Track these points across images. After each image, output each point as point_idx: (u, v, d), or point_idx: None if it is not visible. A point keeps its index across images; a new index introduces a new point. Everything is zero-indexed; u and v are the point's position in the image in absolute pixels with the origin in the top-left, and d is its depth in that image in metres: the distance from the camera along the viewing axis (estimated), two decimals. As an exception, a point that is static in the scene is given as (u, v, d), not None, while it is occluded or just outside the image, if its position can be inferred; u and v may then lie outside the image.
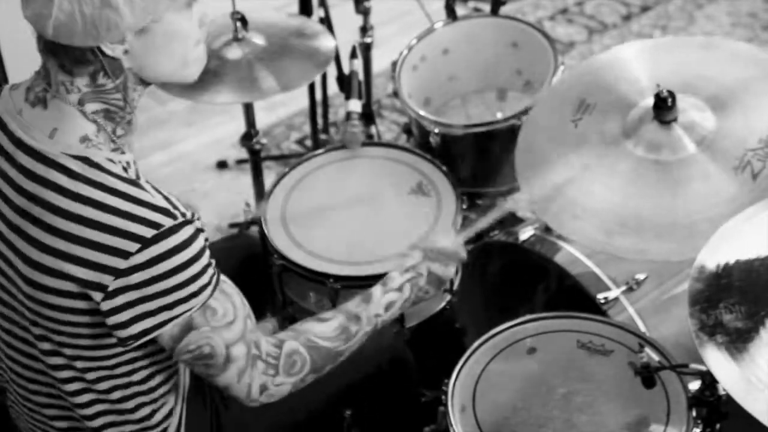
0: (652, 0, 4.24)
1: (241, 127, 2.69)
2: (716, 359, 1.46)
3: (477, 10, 3.00)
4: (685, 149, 1.86)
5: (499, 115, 2.51)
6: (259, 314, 1.70)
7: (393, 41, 3.27)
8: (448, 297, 2.30)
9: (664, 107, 1.87)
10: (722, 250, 1.58)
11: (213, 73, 2.33)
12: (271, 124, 3.65)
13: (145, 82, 1.55)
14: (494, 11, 2.71)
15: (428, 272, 1.84)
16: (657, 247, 1.78)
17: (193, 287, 1.50)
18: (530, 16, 4.13)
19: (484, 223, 1.98)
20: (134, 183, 1.50)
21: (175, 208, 1.50)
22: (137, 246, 1.45)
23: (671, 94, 1.86)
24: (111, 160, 1.50)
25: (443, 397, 1.84)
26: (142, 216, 1.46)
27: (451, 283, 2.28)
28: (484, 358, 1.92)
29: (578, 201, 1.86)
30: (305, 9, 2.95)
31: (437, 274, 1.85)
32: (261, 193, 2.73)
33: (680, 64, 2.01)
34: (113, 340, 1.54)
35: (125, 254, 1.45)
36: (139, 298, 1.48)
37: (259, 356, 1.61)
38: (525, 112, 2.35)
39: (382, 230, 2.24)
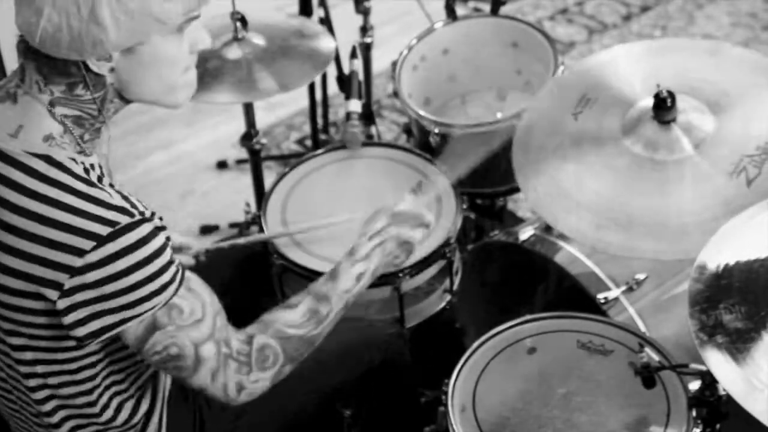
0: (652, 0, 4.24)
1: (241, 127, 2.69)
2: (716, 360, 1.46)
3: (477, 10, 3.00)
4: (682, 150, 1.86)
5: (499, 115, 2.51)
6: (258, 316, 1.69)
7: (393, 41, 3.27)
8: (448, 297, 2.30)
9: (663, 107, 1.87)
10: (723, 251, 1.58)
11: (213, 73, 2.34)
12: (271, 124, 3.65)
13: (126, 99, 1.55)
14: (494, 11, 2.72)
15: (396, 236, 1.79)
16: (646, 245, 1.78)
17: (153, 285, 1.48)
18: (530, 16, 4.13)
19: (440, 185, 1.92)
20: (92, 183, 1.49)
21: (133, 206, 1.49)
22: (92, 244, 1.44)
23: (671, 95, 1.86)
24: (73, 160, 1.50)
25: (443, 397, 1.85)
26: (98, 214, 1.45)
27: (451, 283, 2.28)
28: (484, 358, 1.92)
29: (572, 195, 1.87)
30: (305, 9, 2.95)
31: (404, 237, 1.80)
32: (261, 193, 2.73)
33: (684, 66, 2.01)
34: (72, 343, 1.54)
35: (80, 252, 1.44)
36: (96, 297, 1.47)
37: (230, 354, 1.59)
38: (526, 108, 2.35)
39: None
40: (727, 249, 1.58)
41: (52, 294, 1.47)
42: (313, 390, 1.91)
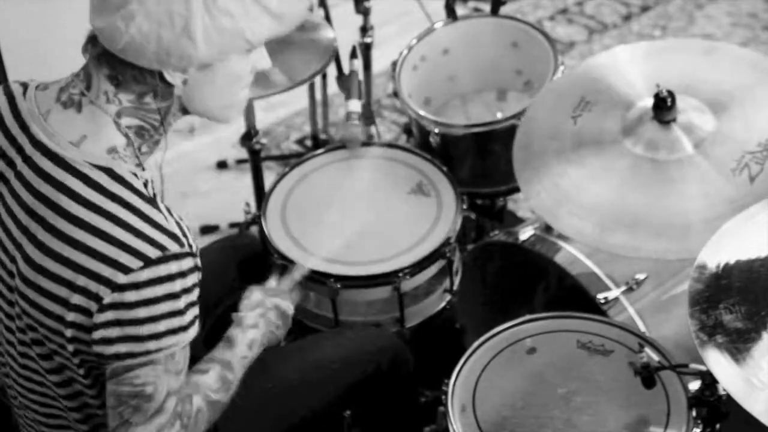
0: (652, 0, 4.24)
1: (241, 127, 2.69)
2: (716, 360, 1.46)
3: (477, 10, 3.00)
4: (684, 149, 1.86)
5: (499, 115, 2.51)
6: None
7: (393, 41, 3.27)
8: (448, 297, 2.30)
9: (663, 107, 1.87)
10: (723, 250, 1.58)
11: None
12: (271, 124, 3.64)
13: (185, 111, 1.56)
14: (494, 11, 2.71)
15: (275, 306, 1.80)
16: (651, 245, 1.78)
17: (181, 320, 1.49)
18: (530, 16, 4.13)
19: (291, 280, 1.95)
20: (151, 201, 1.50)
21: (185, 235, 1.50)
22: (140, 263, 1.44)
23: (671, 94, 1.86)
24: (134, 174, 1.50)
25: (443, 397, 1.85)
26: (151, 236, 1.46)
27: (451, 283, 2.28)
28: (484, 358, 1.92)
29: (574, 197, 1.87)
30: (305, 9, 2.95)
31: (282, 308, 1.80)
32: (261, 193, 2.73)
33: (682, 66, 2.01)
34: (91, 358, 1.53)
35: (126, 269, 1.44)
36: (129, 320, 1.46)
37: (180, 415, 1.56)
38: (525, 112, 2.35)
39: (382, 230, 2.24)
40: (727, 248, 1.58)
41: (91, 305, 1.46)
42: (314, 391, 1.92)
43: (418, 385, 2.16)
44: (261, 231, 2.28)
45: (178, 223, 1.51)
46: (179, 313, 1.48)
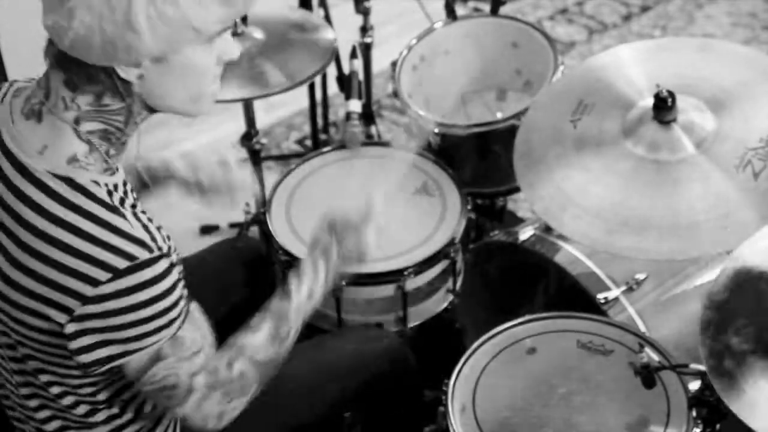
0: (652, 0, 4.24)
1: (241, 127, 2.69)
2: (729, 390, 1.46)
3: (477, 10, 3.00)
4: (685, 149, 1.86)
5: (499, 115, 2.51)
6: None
7: (393, 41, 3.27)
8: (450, 297, 2.30)
9: (663, 107, 1.87)
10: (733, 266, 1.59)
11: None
12: (271, 124, 3.64)
13: (151, 109, 1.51)
14: (494, 11, 2.71)
15: (336, 246, 1.76)
16: (659, 246, 1.78)
17: (161, 320, 1.47)
18: (530, 16, 4.13)
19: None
20: (115, 210, 1.46)
21: (153, 239, 1.46)
22: (108, 275, 1.42)
23: (671, 94, 1.86)
24: (96, 183, 1.46)
25: (443, 397, 1.85)
26: (117, 246, 1.42)
27: (454, 283, 2.28)
28: (484, 358, 1.92)
29: (578, 201, 1.86)
30: (305, 8, 2.95)
31: (351, 248, 1.77)
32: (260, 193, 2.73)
33: (678, 65, 2.01)
34: (74, 363, 1.52)
35: (94, 282, 1.42)
36: (104, 327, 1.45)
37: (215, 385, 1.58)
38: (525, 112, 2.35)
39: (387, 229, 2.24)
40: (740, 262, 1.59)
41: (61, 317, 1.45)
42: (323, 398, 1.91)
43: (418, 383, 2.16)
44: (263, 230, 2.28)
45: (146, 227, 1.47)
46: (160, 314, 1.47)
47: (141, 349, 1.48)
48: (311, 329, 2.20)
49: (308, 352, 1.95)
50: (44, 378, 1.58)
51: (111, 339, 1.46)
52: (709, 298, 1.57)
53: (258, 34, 2.41)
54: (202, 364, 1.56)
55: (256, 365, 1.63)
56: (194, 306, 1.57)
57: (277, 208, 2.31)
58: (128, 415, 1.66)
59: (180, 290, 1.50)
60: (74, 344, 1.47)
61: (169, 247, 1.50)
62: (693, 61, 2.02)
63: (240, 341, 1.64)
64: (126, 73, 1.42)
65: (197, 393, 1.55)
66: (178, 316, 1.50)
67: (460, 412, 1.83)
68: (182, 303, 1.51)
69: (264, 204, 2.37)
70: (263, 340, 1.65)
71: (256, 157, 2.70)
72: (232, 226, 3.12)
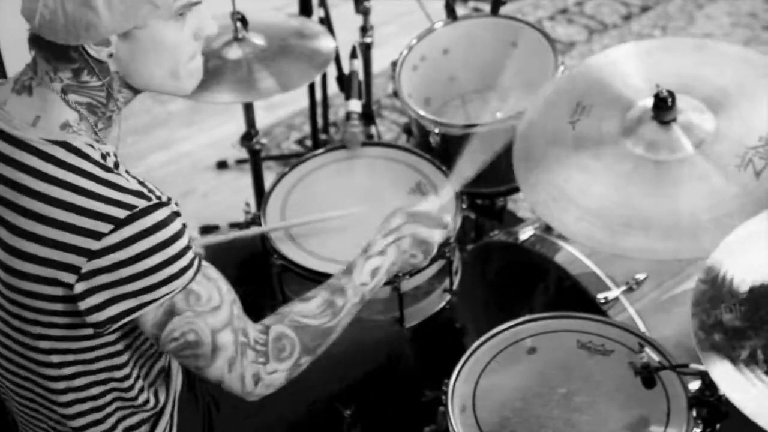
0: (652, 0, 4.24)
1: (241, 127, 2.69)
2: (713, 360, 1.46)
3: (477, 10, 3.00)
4: (686, 149, 1.86)
5: (499, 115, 2.51)
6: (258, 316, 1.68)
7: (393, 41, 3.27)
8: (448, 297, 2.30)
9: (663, 107, 1.87)
10: (732, 256, 1.58)
11: (213, 73, 2.34)
12: (271, 124, 3.65)
13: (133, 89, 1.55)
14: (494, 11, 2.71)
15: (412, 234, 1.77)
16: (664, 246, 1.78)
17: (171, 269, 1.49)
18: (530, 16, 4.13)
19: (467, 170, 1.93)
20: (109, 169, 1.50)
21: (150, 191, 1.50)
22: (110, 227, 1.45)
23: (671, 94, 1.86)
24: (90, 146, 1.51)
25: (443, 397, 1.85)
26: (116, 198, 1.46)
27: (451, 282, 2.28)
28: (484, 358, 1.92)
29: (580, 202, 1.86)
30: (305, 9, 2.95)
31: (422, 236, 1.77)
32: (261, 193, 2.73)
33: (675, 65, 2.01)
34: (89, 331, 1.54)
35: (98, 235, 1.45)
36: (114, 281, 1.47)
37: (247, 344, 1.58)
38: (525, 112, 2.35)
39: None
40: (740, 258, 1.58)
41: (70, 278, 1.47)
42: (319, 392, 1.92)
43: (418, 384, 2.16)
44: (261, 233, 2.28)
45: (142, 183, 1.51)
46: (169, 261, 1.48)
47: (153, 301, 1.49)
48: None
49: None
50: (56, 358, 1.59)
51: (121, 293, 1.48)
52: (706, 272, 1.56)
53: (258, 40, 2.41)
54: (224, 321, 1.56)
55: (298, 330, 1.64)
56: (209, 264, 1.58)
57: (272, 209, 2.30)
58: (143, 396, 1.68)
59: (186, 240, 1.51)
60: (84, 304, 1.49)
61: (169, 198, 1.52)
62: (690, 61, 2.02)
63: (286, 308, 1.66)
64: (97, 52, 1.47)
65: (226, 351, 1.56)
66: (189, 266, 1.51)
67: (460, 412, 1.83)
68: (191, 253, 1.52)
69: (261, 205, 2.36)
70: (313, 307, 1.66)
71: (256, 157, 2.70)
72: (232, 226, 3.12)
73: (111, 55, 1.48)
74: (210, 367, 1.57)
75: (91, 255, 1.45)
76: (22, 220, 1.49)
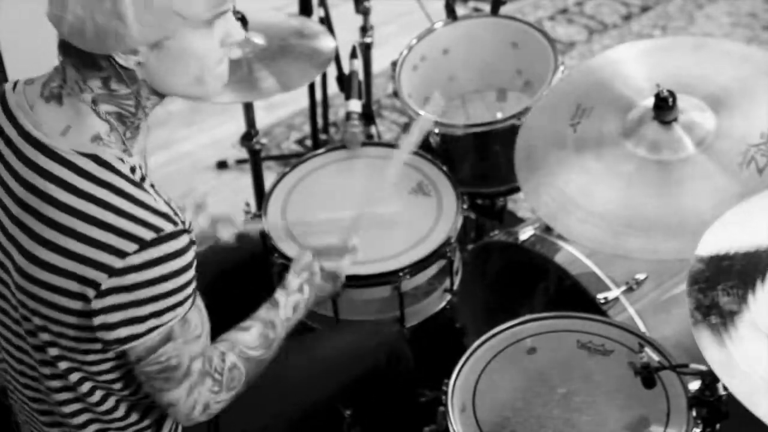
0: (652, 0, 4.24)
1: (241, 127, 2.69)
2: (708, 340, 1.45)
3: (477, 10, 3.00)
4: (687, 148, 1.86)
5: (499, 115, 2.51)
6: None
7: (393, 41, 3.27)
8: (448, 297, 2.30)
9: (664, 107, 1.87)
10: (729, 235, 1.58)
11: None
12: (271, 124, 3.65)
13: (160, 94, 1.55)
14: (494, 11, 2.71)
15: (321, 269, 1.90)
16: (667, 246, 1.78)
17: (180, 296, 1.50)
18: (530, 16, 4.13)
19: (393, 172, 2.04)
20: (139, 185, 1.50)
21: (176, 214, 1.51)
22: (135, 247, 1.45)
23: (672, 94, 1.86)
24: (121, 159, 1.51)
25: (443, 397, 1.85)
26: (144, 219, 1.46)
27: (452, 283, 2.28)
28: (484, 358, 1.92)
29: (583, 204, 1.86)
30: (305, 9, 2.95)
31: (329, 269, 1.91)
32: (261, 193, 2.73)
33: (674, 65, 2.01)
34: (96, 346, 1.55)
35: (122, 254, 1.45)
36: (130, 302, 1.47)
37: (209, 372, 1.61)
38: (525, 112, 2.35)
39: (382, 230, 2.24)
40: (733, 233, 1.58)
41: (89, 292, 1.47)
42: (319, 392, 1.92)
43: (418, 384, 2.16)
44: (261, 231, 2.27)
45: (167, 203, 1.52)
46: (180, 289, 1.50)
47: (159, 326, 1.50)
48: (308, 330, 2.20)
49: (303, 346, 1.96)
50: (63, 365, 1.60)
51: (134, 317, 1.49)
52: (702, 252, 1.56)
53: (258, 40, 2.41)
54: (201, 349, 1.59)
55: (245, 361, 1.68)
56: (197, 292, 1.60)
57: (273, 208, 2.30)
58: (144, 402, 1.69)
59: (194, 269, 1.53)
60: (98, 320, 1.49)
61: (190, 224, 1.54)
62: (689, 60, 2.02)
63: (232, 337, 1.70)
64: (125, 60, 1.46)
65: (192, 377, 1.58)
66: (192, 294, 1.53)
67: (460, 412, 1.83)
68: (194, 282, 1.54)
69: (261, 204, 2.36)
70: (253, 339, 1.71)
71: (256, 157, 2.70)
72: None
73: (139, 63, 1.47)
74: (171, 391, 1.58)
75: (112, 272, 1.45)
76: (45, 229, 1.49)
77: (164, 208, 1.49)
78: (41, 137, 1.50)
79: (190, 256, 1.51)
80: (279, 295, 1.82)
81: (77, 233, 1.46)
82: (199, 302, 1.61)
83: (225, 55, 1.55)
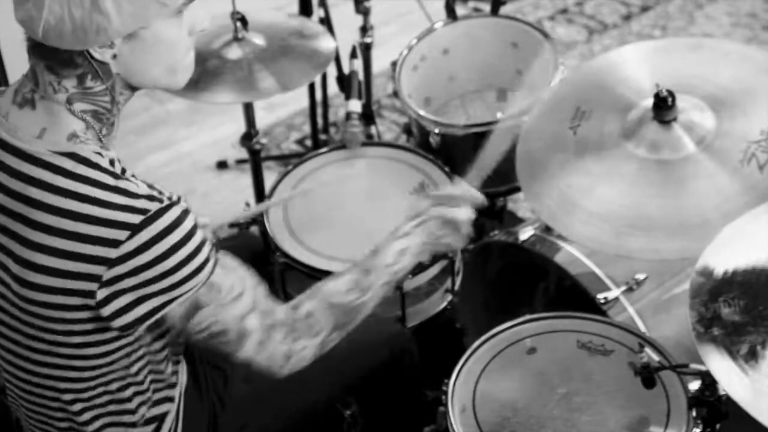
0: (652, 0, 4.24)
1: (241, 127, 2.69)
2: (712, 353, 1.46)
3: (477, 10, 3.00)
4: (687, 148, 1.86)
5: (499, 115, 2.51)
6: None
7: (393, 41, 3.27)
8: (449, 297, 2.30)
9: (664, 107, 1.87)
10: (729, 251, 1.58)
11: (213, 73, 2.34)
12: (271, 124, 3.65)
13: (132, 87, 1.56)
14: (494, 11, 2.72)
15: (438, 216, 1.80)
16: (670, 246, 1.78)
17: (191, 266, 1.50)
18: (530, 16, 4.13)
19: (490, 159, 1.95)
20: (118, 176, 1.50)
21: (161, 193, 1.51)
22: (126, 233, 1.45)
23: (671, 93, 1.86)
24: (99, 154, 1.51)
25: (443, 397, 1.85)
26: (128, 204, 1.47)
27: (453, 283, 2.28)
28: (484, 358, 1.92)
29: (585, 206, 1.86)
30: (305, 9, 2.95)
31: (447, 216, 1.80)
32: (261, 193, 2.73)
33: (673, 66, 2.01)
34: (109, 335, 1.55)
35: (116, 243, 1.45)
36: (137, 284, 1.48)
37: (274, 325, 1.62)
38: (525, 112, 2.35)
39: (384, 229, 2.24)
40: (733, 249, 1.58)
41: (91, 286, 1.48)
42: (319, 392, 1.92)
43: (419, 384, 2.16)
44: (263, 230, 2.28)
45: (151, 186, 1.52)
46: (188, 260, 1.49)
47: (178, 297, 1.51)
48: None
49: None
50: (78, 363, 1.60)
51: (146, 294, 1.49)
52: (704, 265, 1.56)
53: (258, 40, 2.41)
54: (248, 307, 1.59)
55: (328, 307, 1.68)
56: (224, 253, 1.59)
57: (274, 209, 2.30)
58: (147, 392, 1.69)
59: (201, 235, 1.52)
60: (108, 309, 1.50)
61: (179, 197, 1.53)
62: (688, 60, 2.02)
63: (318, 285, 1.70)
64: (101, 54, 1.47)
65: (255, 334, 1.59)
66: (206, 260, 1.52)
67: (460, 412, 1.83)
68: (206, 247, 1.53)
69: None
70: (342, 286, 1.70)
71: (256, 157, 2.70)
72: (231, 225, 3.12)
73: (115, 56, 1.48)
74: (238, 351, 1.60)
75: (110, 263, 1.46)
76: (35, 234, 1.49)
77: (146, 191, 1.49)
78: (18, 143, 1.50)
79: (187, 225, 1.49)
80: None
81: (67, 232, 1.47)
82: (231, 262, 1.60)
83: (191, 45, 1.57)
